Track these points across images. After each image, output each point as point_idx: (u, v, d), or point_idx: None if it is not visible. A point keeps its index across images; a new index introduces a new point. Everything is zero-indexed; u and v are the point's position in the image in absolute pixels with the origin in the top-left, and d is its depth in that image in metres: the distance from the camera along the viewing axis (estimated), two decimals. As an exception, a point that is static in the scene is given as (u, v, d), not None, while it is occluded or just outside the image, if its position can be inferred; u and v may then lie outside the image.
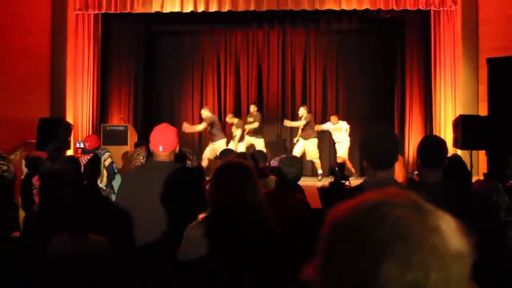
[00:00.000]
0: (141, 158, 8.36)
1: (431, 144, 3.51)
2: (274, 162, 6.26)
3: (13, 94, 11.60)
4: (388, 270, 0.86)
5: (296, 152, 13.00)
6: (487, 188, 5.33)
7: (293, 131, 14.56)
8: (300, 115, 13.36)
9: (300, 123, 13.27)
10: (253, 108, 13.78)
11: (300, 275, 1.06)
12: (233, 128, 13.60)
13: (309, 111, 13.71)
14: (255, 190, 2.72)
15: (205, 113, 12.60)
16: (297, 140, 13.42)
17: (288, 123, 13.56)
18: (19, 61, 11.82)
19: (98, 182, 6.67)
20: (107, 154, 7.01)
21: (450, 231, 0.91)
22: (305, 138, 13.26)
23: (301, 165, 5.15)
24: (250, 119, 13.57)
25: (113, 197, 6.05)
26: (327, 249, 0.95)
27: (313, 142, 13.29)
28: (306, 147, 13.21)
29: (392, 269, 0.86)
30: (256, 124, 13.35)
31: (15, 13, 11.86)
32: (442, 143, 3.49)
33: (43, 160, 6.71)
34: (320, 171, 13.35)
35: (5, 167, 7.09)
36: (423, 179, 3.41)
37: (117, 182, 6.89)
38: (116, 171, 7.19)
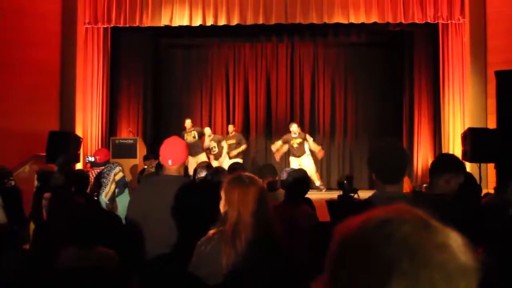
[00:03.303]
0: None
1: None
2: (284, 173, 6.26)
3: (23, 107, 11.65)
4: (395, 287, 0.86)
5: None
6: (501, 202, 5.27)
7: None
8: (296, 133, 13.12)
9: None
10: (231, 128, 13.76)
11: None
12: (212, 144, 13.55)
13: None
14: (266, 204, 2.73)
15: None
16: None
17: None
18: (29, 74, 11.89)
19: (103, 196, 6.65)
20: (118, 168, 6.91)
21: (457, 248, 0.91)
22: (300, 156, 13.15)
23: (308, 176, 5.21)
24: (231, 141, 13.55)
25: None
26: (335, 265, 0.95)
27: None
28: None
29: (400, 286, 0.86)
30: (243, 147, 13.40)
31: (25, 26, 11.94)
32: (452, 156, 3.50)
33: (53, 173, 6.73)
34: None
35: (13, 183, 7.14)
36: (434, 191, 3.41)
37: (124, 197, 6.84)
38: (127, 183, 7.13)
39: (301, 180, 4.91)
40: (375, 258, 0.89)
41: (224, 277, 2.62)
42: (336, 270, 0.95)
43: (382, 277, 0.87)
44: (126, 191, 7.06)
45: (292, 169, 7.54)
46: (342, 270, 0.93)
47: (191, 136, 12.98)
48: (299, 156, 12.92)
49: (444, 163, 3.42)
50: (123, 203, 6.42)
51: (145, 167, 9.73)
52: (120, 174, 7.04)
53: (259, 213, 2.68)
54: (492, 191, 7.66)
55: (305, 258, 4.07)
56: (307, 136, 13.12)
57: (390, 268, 0.88)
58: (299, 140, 12.92)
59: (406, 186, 11.15)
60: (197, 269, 2.79)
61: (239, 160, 12.69)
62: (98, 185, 5.67)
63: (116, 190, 6.92)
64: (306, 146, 13.11)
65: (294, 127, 12.99)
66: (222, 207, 2.77)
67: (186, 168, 4.79)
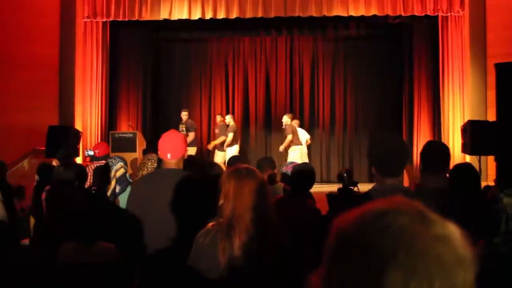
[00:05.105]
0: (149, 164, 8.32)
1: (434, 149, 3.51)
2: (284, 168, 6.25)
3: (22, 102, 11.65)
4: (392, 279, 0.86)
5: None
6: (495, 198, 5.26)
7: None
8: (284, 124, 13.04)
9: (288, 139, 12.87)
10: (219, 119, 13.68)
11: (306, 283, 1.07)
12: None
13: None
14: (264, 197, 2.72)
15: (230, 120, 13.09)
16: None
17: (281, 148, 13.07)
18: (28, 69, 11.88)
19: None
20: (119, 164, 6.72)
21: (454, 240, 0.91)
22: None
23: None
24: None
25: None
26: (332, 258, 0.95)
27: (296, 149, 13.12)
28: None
29: (396, 278, 0.86)
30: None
31: (23, 22, 11.93)
32: (445, 148, 3.49)
33: (56, 167, 6.69)
34: None
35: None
36: (425, 186, 3.40)
37: (126, 195, 6.68)
38: (129, 181, 6.97)
39: (307, 174, 4.90)
40: (372, 251, 0.89)
41: (222, 270, 2.62)
42: (333, 263, 0.95)
43: (379, 269, 0.87)
44: (129, 188, 6.94)
45: (292, 162, 7.54)
46: (339, 262, 0.93)
47: (180, 130, 12.91)
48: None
49: (432, 165, 3.38)
50: (125, 201, 6.27)
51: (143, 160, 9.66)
52: (121, 171, 6.88)
53: (255, 206, 2.65)
54: (491, 183, 7.66)
55: (310, 253, 4.07)
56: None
57: (386, 260, 0.87)
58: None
59: (408, 176, 11.12)
60: (196, 262, 2.78)
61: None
62: (96, 179, 5.64)
63: (118, 187, 6.83)
64: (304, 137, 13.16)
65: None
66: (220, 199, 2.76)
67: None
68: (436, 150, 3.50)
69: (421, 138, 13.53)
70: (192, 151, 12.33)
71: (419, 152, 13.12)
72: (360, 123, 15.43)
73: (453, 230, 0.93)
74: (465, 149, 9.66)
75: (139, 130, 13.51)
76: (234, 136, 13.07)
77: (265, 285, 2.62)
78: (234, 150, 12.80)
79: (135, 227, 3.68)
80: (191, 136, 12.92)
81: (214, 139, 13.72)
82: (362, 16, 12.34)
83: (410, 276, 0.86)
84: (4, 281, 3.14)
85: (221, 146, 13.22)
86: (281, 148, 12.89)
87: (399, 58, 14.80)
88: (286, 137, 12.85)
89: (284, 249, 2.72)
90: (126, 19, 12.59)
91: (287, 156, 12.68)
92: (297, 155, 12.78)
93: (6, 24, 11.82)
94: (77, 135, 11.44)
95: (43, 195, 5.84)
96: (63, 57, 12.42)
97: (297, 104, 15.57)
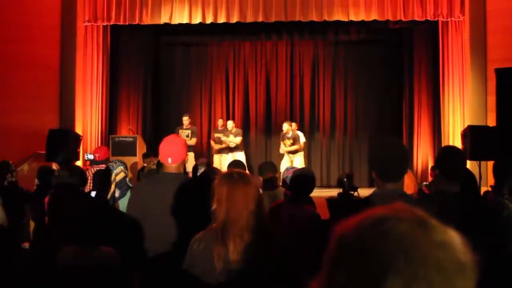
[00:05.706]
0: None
1: (452, 155, 3.51)
2: (285, 173, 6.25)
3: (22, 105, 11.64)
4: (392, 285, 0.86)
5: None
6: (497, 204, 5.25)
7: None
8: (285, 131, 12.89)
9: (296, 146, 12.82)
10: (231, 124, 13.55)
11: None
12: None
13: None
14: (257, 201, 2.71)
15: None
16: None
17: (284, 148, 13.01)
18: (28, 71, 11.88)
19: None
20: (119, 168, 6.67)
21: (454, 246, 0.91)
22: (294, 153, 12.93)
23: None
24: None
25: None
26: (332, 263, 0.95)
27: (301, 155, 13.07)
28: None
29: (396, 284, 0.86)
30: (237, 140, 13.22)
31: (24, 23, 11.92)
32: (461, 153, 3.50)
33: (59, 171, 6.66)
34: None
35: (14, 179, 7.09)
36: (440, 189, 3.40)
37: (126, 200, 6.61)
38: (129, 186, 6.91)
39: (307, 178, 4.90)
40: (372, 256, 0.89)
41: (218, 275, 2.61)
42: (333, 269, 0.95)
43: (378, 275, 0.87)
44: (129, 193, 6.89)
45: (293, 168, 7.54)
46: (339, 268, 0.93)
47: (184, 134, 12.82)
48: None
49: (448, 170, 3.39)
50: (125, 206, 6.19)
51: (145, 165, 9.71)
52: (121, 175, 6.83)
53: (249, 211, 2.65)
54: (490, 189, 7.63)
55: (310, 258, 4.06)
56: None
57: (386, 266, 0.87)
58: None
59: (410, 181, 11.11)
60: (191, 267, 2.77)
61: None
62: (96, 183, 5.63)
63: (118, 192, 6.79)
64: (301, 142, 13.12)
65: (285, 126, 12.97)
66: (213, 204, 2.75)
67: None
68: (456, 154, 3.51)
69: (421, 143, 13.54)
70: (190, 156, 12.30)
71: (419, 157, 13.24)
72: (360, 127, 15.41)
73: (454, 236, 0.93)
74: (465, 154, 9.65)
75: (139, 134, 13.50)
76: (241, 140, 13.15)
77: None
78: (240, 156, 12.76)
79: (135, 231, 3.68)
80: (193, 141, 12.83)
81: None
82: (363, 21, 12.35)
83: (410, 282, 0.86)
84: (4, 284, 3.14)
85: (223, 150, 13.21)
86: (285, 150, 12.86)
87: (399, 63, 14.81)
88: (294, 143, 12.77)
89: (280, 253, 2.71)
90: (127, 23, 12.61)
91: (283, 159, 12.72)
92: (302, 160, 12.80)
93: (7, 24, 11.82)
94: (77, 139, 11.43)
95: (46, 199, 5.83)
96: (63, 60, 12.44)
97: (297, 108, 15.56)
